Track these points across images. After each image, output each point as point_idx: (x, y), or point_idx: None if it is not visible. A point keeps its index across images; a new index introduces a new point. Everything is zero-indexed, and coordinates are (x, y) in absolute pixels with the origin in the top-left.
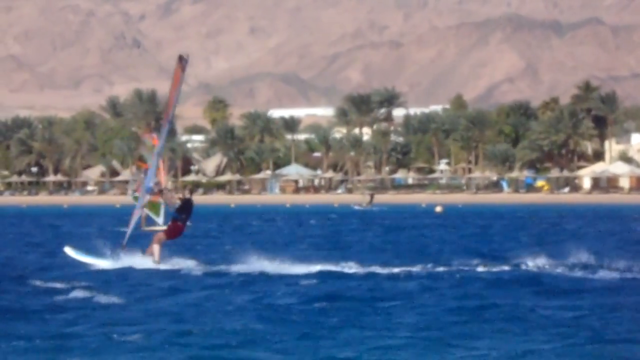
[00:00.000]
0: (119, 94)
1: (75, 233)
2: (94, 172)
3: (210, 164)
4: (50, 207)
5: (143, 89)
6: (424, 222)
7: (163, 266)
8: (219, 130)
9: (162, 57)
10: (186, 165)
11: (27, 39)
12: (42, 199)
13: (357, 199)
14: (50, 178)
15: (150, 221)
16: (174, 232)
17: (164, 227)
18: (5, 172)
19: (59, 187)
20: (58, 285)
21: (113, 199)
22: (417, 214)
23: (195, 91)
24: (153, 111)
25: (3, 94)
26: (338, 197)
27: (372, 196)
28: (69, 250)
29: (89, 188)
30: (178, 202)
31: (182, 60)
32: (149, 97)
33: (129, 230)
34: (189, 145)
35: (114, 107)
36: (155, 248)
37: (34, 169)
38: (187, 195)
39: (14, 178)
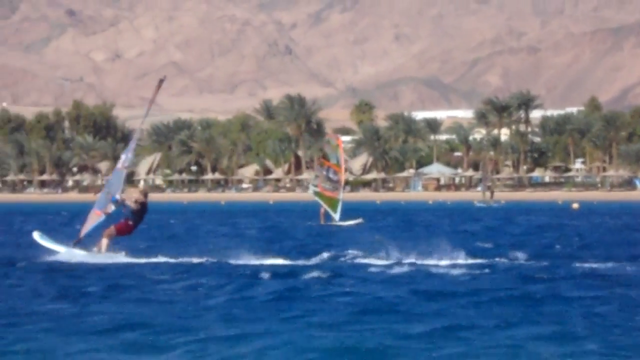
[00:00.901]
0: (272, 97)
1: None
2: (249, 171)
3: (357, 163)
4: (209, 203)
5: (294, 93)
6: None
7: (102, 258)
8: (365, 132)
9: (312, 63)
10: None
11: (188, 46)
12: (201, 195)
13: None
14: (209, 176)
15: (328, 217)
16: (125, 230)
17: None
18: (167, 171)
19: (217, 184)
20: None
21: (266, 195)
22: (555, 211)
23: (342, 95)
24: (303, 114)
25: (165, 99)
26: (477, 195)
27: (492, 193)
28: (36, 235)
29: (244, 185)
30: (136, 205)
31: (160, 82)
32: (299, 101)
33: (85, 229)
34: None
35: (267, 109)
36: (104, 241)
37: (194, 168)
38: (143, 200)
39: (175, 176)
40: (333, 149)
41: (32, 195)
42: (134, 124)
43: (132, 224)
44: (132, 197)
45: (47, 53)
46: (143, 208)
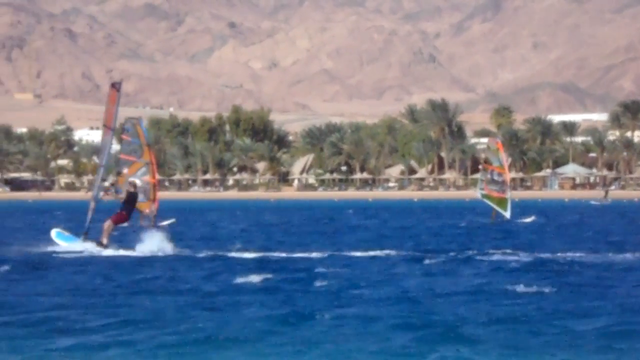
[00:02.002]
0: (417, 102)
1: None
2: (395, 171)
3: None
4: (357, 201)
5: (437, 98)
6: None
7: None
8: (505, 134)
9: (454, 70)
10: (475, 165)
11: (339, 55)
12: (350, 194)
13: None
14: (357, 176)
15: (499, 216)
16: (120, 220)
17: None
18: (319, 171)
19: (365, 183)
20: None
21: (411, 194)
22: None
23: (483, 99)
24: (445, 118)
25: (318, 104)
26: (612, 193)
27: (606, 192)
28: (53, 233)
29: (390, 184)
30: (123, 197)
31: (115, 86)
32: (441, 105)
33: (87, 221)
34: (477, 147)
35: (412, 114)
36: (105, 232)
37: (343, 168)
38: (132, 190)
39: (327, 176)
40: (494, 153)
41: (197, 194)
42: (289, 127)
43: (125, 213)
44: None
45: (210, 62)
46: (131, 198)
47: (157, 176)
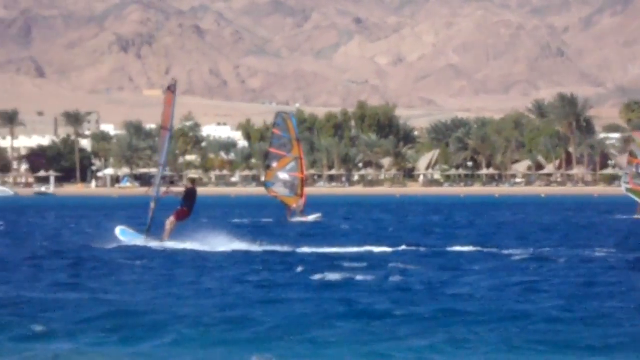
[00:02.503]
0: (544, 97)
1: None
2: (522, 166)
3: (625, 159)
4: (484, 196)
5: (566, 93)
6: None
7: (169, 243)
8: (634, 129)
9: (583, 64)
10: (604, 160)
11: (465, 50)
12: (476, 189)
13: None
14: (483, 171)
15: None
16: (181, 216)
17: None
18: (445, 166)
19: (491, 179)
20: None
21: (538, 189)
22: None
23: (612, 94)
24: (574, 112)
25: (444, 99)
26: None
27: None
28: (118, 230)
29: (517, 180)
30: (182, 193)
31: (170, 88)
32: (570, 100)
33: (149, 220)
34: (607, 142)
35: (539, 108)
36: (167, 229)
37: (469, 164)
38: (190, 187)
39: (452, 171)
40: (639, 146)
41: (322, 189)
42: (415, 123)
43: (186, 209)
44: (179, 188)
45: (336, 58)
46: (190, 194)
47: (305, 172)
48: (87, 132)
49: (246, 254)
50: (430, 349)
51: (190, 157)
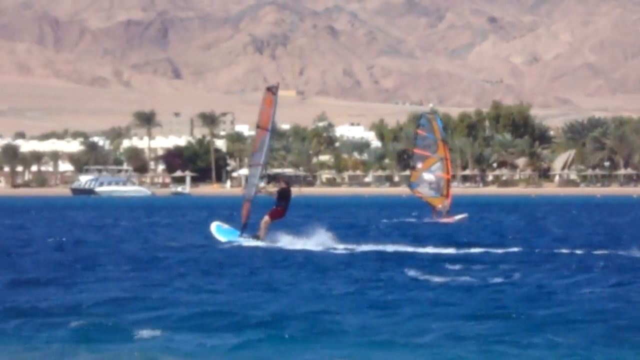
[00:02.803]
0: None
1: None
2: None
3: None
4: (621, 197)
5: None
6: None
7: (263, 243)
8: None
9: None
10: None
11: (602, 49)
12: (614, 190)
13: None
14: (621, 171)
15: None
16: (276, 215)
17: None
18: (581, 166)
19: (629, 179)
20: None
21: None
22: None
23: None
24: None
25: (580, 98)
26: None
27: None
28: (213, 227)
29: None
30: (275, 193)
31: (271, 89)
32: None
33: (243, 219)
34: None
35: None
36: (262, 228)
37: (606, 164)
38: (284, 186)
39: (589, 171)
40: None
41: (456, 189)
42: (550, 122)
43: (280, 209)
44: (271, 188)
45: (470, 57)
46: (283, 194)
47: (451, 172)
48: (222, 133)
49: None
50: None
51: (323, 158)
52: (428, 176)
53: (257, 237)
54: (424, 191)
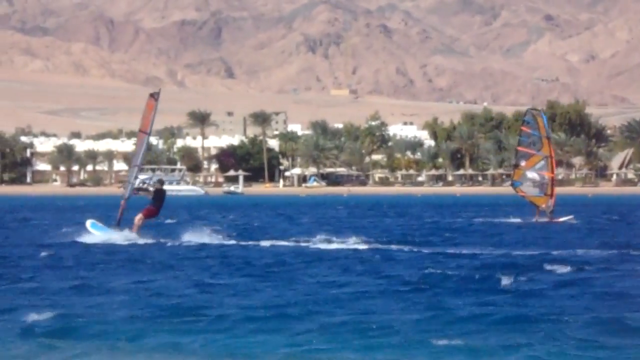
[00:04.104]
0: None
1: None
2: None
3: None
4: None
5: None
6: None
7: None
8: None
9: None
10: None
11: None
12: None
13: None
14: None
15: None
16: (150, 214)
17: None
18: (639, 165)
19: None
20: None
21: None
22: None
23: None
24: None
25: (637, 96)
26: None
27: None
28: (88, 224)
29: None
30: (152, 193)
31: (154, 95)
32: None
33: (118, 215)
34: None
35: None
36: (136, 224)
37: None
38: (159, 186)
39: None
40: None
41: (509, 188)
42: (607, 121)
43: (154, 208)
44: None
45: (525, 56)
46: (159, 195)
47: (555, 171)
48: (275, 132)
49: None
50: None
51: (376, 157)
52: (532, 174)
53: (132, 231)
54: (528, 190)
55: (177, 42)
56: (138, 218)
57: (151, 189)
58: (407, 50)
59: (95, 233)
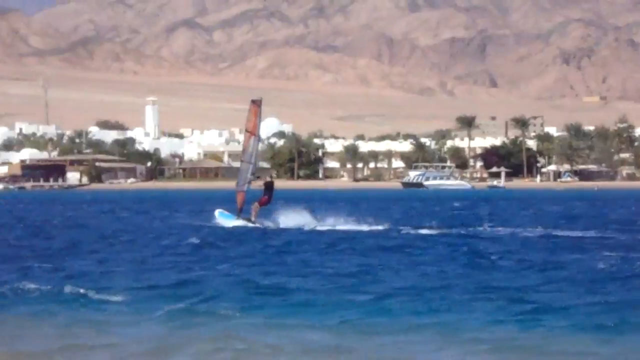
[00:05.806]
0: None
1: None
2: None
3: None
4: None
5: None
6: None
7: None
8: None
9: None
10: None
11: None
12: None
13: None
14: None
15: None
16: (264, 202)
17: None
18: None
19: None
20: None
21: None
22: None
23: None
24: None
25: None
26: None
27: None
28: (217, 212)
29: None
30: (263, 185)
31: (256, 102)
32: None
33: (238, 206)
34: None
35: None
36: (254, 211)
37: None
38: (269, 179)
39: None
40: None
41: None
42: None
43: (267, 197)
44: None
45: None
46: (268, 186)
47: None
48: (533, 134)
49: None
50: None
51: (624, 155)
52: None
53: (249, 220)
54: None
55: (447, 57)
56: (255, 206)
57: (261, 182)
58: None
59: (222, 221)
